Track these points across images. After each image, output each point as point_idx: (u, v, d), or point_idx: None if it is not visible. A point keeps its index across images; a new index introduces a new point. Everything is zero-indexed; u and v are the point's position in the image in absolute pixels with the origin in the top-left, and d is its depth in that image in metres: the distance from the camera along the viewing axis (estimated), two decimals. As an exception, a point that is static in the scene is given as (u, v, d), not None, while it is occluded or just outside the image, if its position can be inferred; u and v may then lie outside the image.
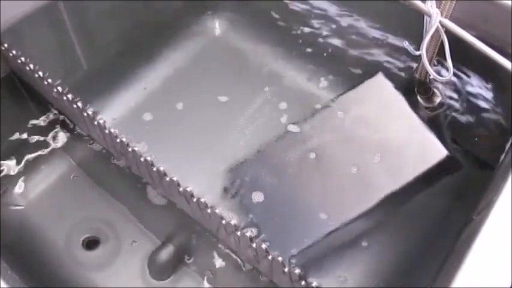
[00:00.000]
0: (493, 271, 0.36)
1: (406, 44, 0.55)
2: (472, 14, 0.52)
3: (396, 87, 0.57)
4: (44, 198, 0.62)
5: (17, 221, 0.60)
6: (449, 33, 0.50)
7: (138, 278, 0.56)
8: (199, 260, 0.57)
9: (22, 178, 0.62)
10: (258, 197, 0.56)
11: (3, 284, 0.41)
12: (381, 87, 0.58)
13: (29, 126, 0.63)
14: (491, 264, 0.36)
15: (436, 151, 0.53)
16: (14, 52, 0.52)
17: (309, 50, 0.72)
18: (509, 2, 0.50)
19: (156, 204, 0.59)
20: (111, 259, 0.57)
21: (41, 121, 0.64)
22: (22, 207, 0.61)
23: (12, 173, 0.62)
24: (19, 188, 0.62)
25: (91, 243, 0.58)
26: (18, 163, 0.63)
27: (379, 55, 0.65)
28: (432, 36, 0.52)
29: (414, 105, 0.57)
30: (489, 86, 0.57)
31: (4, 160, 0.62)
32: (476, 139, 0.61)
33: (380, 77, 0.58)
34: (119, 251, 0.58)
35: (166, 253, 0.56)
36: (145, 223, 0.59)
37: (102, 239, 0.59)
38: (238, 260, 0.48)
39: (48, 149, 0.64)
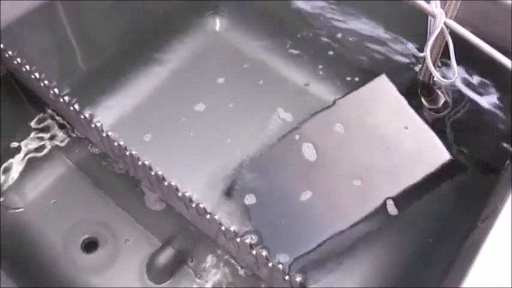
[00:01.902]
0: (498, 280, 0.35)
1: (409, 46, 0.55)
2: (476, 15, 0.51)
3: (399, 89, 0.56)
4: (42, 200, 0.61)
5: (16, 223, 0.59)
6: (454, 34, 0.50)
7: (136, 281, 0.56)
8: (198, 264, 0.56)
9: (20, 180, 0.62)
10: (257, 201, 0.56)
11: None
12: (384, 89, 0.57)
13: (26, 127, 0.63)
14: (497, 273, 0.35)
15: (439, 154, 0.52)
16: (10, 53, 0.51)
17: (310, 50, 0.72)
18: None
19: (154, 207, 0.59)
20: (110, 262, 0.57)
21: (39, 123, 0.64)
22: (21, 210, 0.60)
23: (10, 175, 0.61)
24: (18, 189, 0.61)
25: (90, 246, 0.58)
26: (16, 165, 0.62)
27: (382, 56, 0.65)
28: (436, 38, 0.51)
29: (418, 107, 0.57)
30: (494, 88, 0.56)
31: (2, 162, 0.61)
32: (481, 142, 0.60)
33: (383, 79, 0.57)
34: (118, 253, 0.58)
35: (165, 256, 0.55)
36: (144, 225, 0.59)
37: (101, 241, 0.58)
38: (238, 266, 0.47)
39: (46, 151, 0.64)
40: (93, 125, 0.47)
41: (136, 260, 0.57)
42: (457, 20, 0.49)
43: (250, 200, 0.56)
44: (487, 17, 0.51)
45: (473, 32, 0.48)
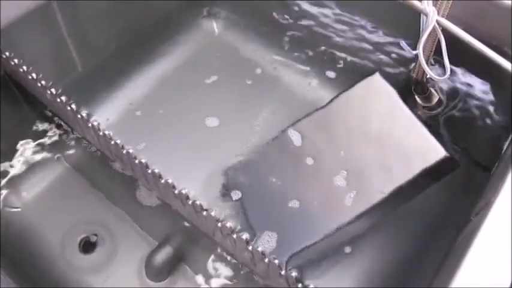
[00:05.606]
0: (492, 272, 0.35)
1: (402, 43, 0.55)
2: (469, 13, 0.52)
3: (393, 87, 0.56)
4: (40, 200, 0.61)
5: (13, 223, 0.59)
6: (446, 32, 0.50)
7: (135, 280, 0.56)
8: (196, 262, 0.56)
9: (18, 180, 0.62)
10: (253, 198, 0.56)
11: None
12: (378, 87, 0.57)
13: (24, 128, 0.63)
14: (491, 265, 0.36)
15: (434, 151, 0.52)
16: (7, 54, 0.51)
17: (306, 49, 0.72)
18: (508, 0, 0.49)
19: (151, 206, 0.59)
20: (108, 261, 0.57)
21: (36, 123, 0.64)
22: (18, 210, 0.60)
23: (7, 175, 0.61)
24: (15, 189, 0.61)
25: (87, 246, 0.58)
26: (13, 165, 0.62)
27: (376, 54, 0.65)
28: (429, 36, 0.51)
29: (411, 104, 0.57)
30: (487, 85, 0.57)
31: (-1, 162, 0.61)
32: (474, 139, 0.61)
33: (377, 77, 0.57)
34: (116, 253, 0.58)
35: (163, 255, 0.55)
36: (142, 225, 0.59)
37: (99, 241, 0.58)
38: (235, 262, 0.48)
39: (43, 151, 0.64)
40: (90, 125, 0.48)
41: (135, 259, 0.57)
42: (452, 19, 0.50)
43: (251, 198, 0.56)
44: (484, 16, 0.51)
45: (468, 31, 0.48)
